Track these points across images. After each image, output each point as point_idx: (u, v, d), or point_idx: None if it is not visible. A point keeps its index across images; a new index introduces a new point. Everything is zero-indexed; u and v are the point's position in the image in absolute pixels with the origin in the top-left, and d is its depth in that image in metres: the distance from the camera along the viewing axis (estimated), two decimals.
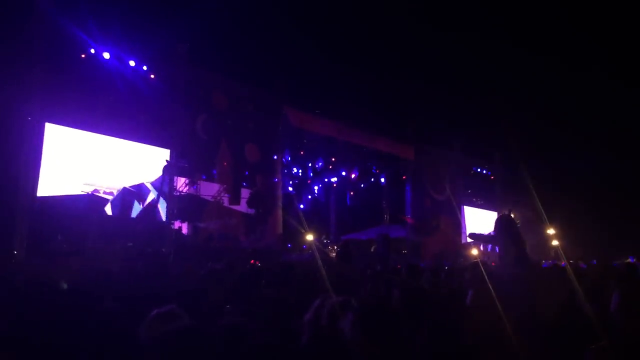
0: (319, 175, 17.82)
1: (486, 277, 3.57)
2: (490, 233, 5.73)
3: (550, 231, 15.88)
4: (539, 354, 2.83)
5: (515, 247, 5.03)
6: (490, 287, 3.35)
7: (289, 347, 2.65)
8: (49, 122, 9.87)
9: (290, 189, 16.70)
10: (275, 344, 2.58)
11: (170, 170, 8.10)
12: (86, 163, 10.39)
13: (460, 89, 11.62)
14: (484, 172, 18.89)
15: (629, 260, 10.58)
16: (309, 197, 18.53)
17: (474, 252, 15.32)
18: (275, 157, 14.30)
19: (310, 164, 17.03)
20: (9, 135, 8.88)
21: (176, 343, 2.07)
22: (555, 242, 15.83)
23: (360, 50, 10.36)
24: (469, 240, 17.21)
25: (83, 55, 10.28)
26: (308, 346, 2.66)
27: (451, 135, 15.61)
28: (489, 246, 13.82)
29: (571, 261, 9.52)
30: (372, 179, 18.89)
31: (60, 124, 10.12)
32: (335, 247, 13.94)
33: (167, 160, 8.09)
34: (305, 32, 10.38)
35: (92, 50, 10.19)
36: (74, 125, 10.32)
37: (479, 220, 17.69)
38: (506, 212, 5.53)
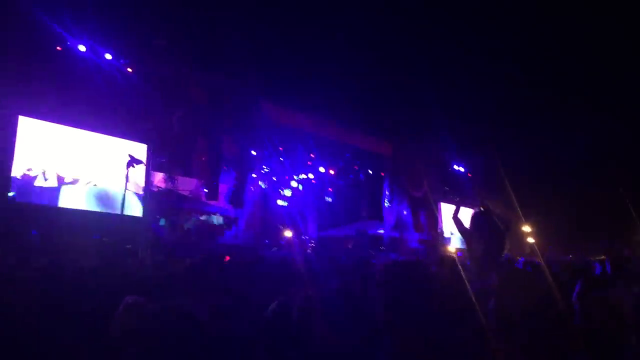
0: (298, 171, 17.82)
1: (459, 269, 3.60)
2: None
3: (526, 228, 16.07)
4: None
5: (485, 246, 5.04)
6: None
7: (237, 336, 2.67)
8: (23, 115, 9.72)
9: (266, 185, 16.66)
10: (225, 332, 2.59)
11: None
12: (60, 157, 10.23)
13: (437, 83, 11.66)
14: (462, 169, 19.05)
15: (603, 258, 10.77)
16: (288, 193, 18.52)
17: (452, 249, 15.47)
18: (253, 152, 14.29)
19: (288, 160, 17.02)
20: None
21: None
22: (530, 240, 16.02)
23: (337, 42, 10.33)
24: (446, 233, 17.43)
25: (59, 48, 10.16)
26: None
27: (429, 131, 15.70)
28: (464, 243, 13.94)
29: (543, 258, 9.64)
30: (351, 175, 18.95)
31: (34, 117, 9.96)
32: (312, 243, 14.00)
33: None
34: (280, 24, 10.32)
35: (68, 43, 10.08)
36: (49, 119, 10.16)
37: (462, 216, 17.74)
38: (482, 209, 5.51)
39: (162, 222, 11.63)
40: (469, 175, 19.32)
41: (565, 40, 10.87)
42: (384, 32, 10.63)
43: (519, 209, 12.25)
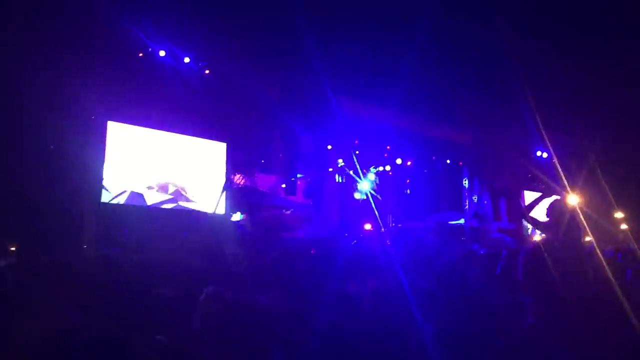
0: (375, 163, 17.71)
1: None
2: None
3: (619, 215, 15.19)
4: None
5: (562, 233, 4.89)
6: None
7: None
8: (111, 120, 10.25)
9: (344, 178, 16.67)
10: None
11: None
12: (147, 159, 10.71)
13: (518, 68, 11.19)
14: (547, 155, 18.25)
15: None
16: (365, 186, 18.45)
17: (536, 239, 14.87)
18: (329, 147, 14.33)
19: (366, 153, 16.93)
20: (76, 133, 9.27)
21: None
22: (624, 226, 15.13)
23: (413, 32, 10.13)
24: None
25: (140, 54, 10.63)
26: None
27: (509, 116, 15.13)
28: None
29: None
30: (429, 166, 18.61)
31: (122, 122, 10.48)
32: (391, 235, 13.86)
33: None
34: (356, 18, 10.25)
35: (149, 49, 10.52)
36: (134, 122, 10.65)
37: (541, 206, 17.07)
38: (558, 198, 5.35)
39: (240, 217, 11.90)
40: (554, 161, 18.48)
41: None
42: (461, 18, 10.33)
43: (610, 195, 11.62)
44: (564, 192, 5.49)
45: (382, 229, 15.76)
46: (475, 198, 16.75)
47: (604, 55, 11.31)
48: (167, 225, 9.47)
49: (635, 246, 7.63)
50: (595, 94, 13.04)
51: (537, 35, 10.78)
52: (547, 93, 12.79)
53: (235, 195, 11.74)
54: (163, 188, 10.80)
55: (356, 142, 15.83)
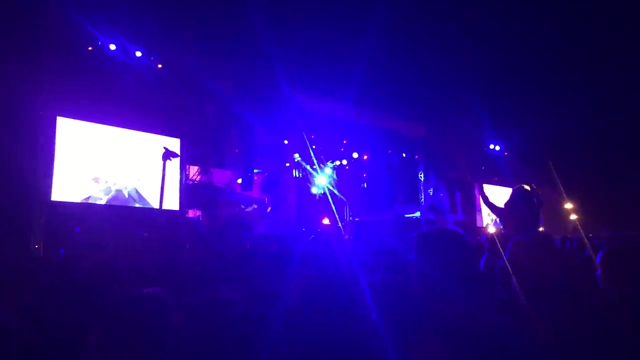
0: (331, 158, 17.77)
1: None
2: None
3: (568, 205, 15.67)
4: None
5: (519, 221, 5.05)
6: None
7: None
8: (60, 115, 9.94)
9: (300, 173, 16.67)
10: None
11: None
12: (97, 155, 10.43)
13: (472, 60, 11.38)
14: (499, 148, 18.69)
15: None
16: (322, 180, 18.50)
17: (491, 230, 15.21)
18: (286, 142, 14.29)
19: (321, 147, 16.97)
20: (23, 130, 8.96)
21: None
22: (573, 217, 15.62)
23: (365, 25, 10.16)
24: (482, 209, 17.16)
25: (90, 48, 10.33)
26: None
27: (462, 110, 15.40)
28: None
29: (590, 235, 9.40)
30: (385, 160, 18.78)
31: (71, 117, 10.17)
32: (349, 229, 13.95)
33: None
34: (307, 10, 10.22)
35: (99, 42, 10.24)
36: (84, 118, 10.35)
37: (495, 198, 17.44)
38: (525, 185, 5.52)
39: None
40: (506, 154, 18.95)
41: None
42: (413, 13, 10.42)
43: (560, 186, 11.95)
44: (519, 184, 5.62)
45: (340, 223, 15.86)
46: (430, 191, 17.03)
47: (558, 48, 11.61)
48: (119, 224, 9.26)
49: (583, 235, 7.89)
50: (547, 86, 13.39)
51: (490, 30, 10.99)
52: (499, 87, 13.08)
53: (191, 191, 11.58)
54: (115, 185, 10.55)
55: (312, 136, 15.84)
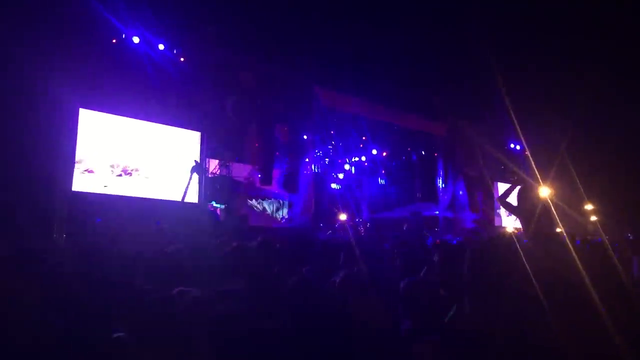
0: (350, 154, 17.77)
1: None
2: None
3: (589, 207, 15.50)
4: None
5: (528, 221, 5.04)
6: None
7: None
8: (83, 107, 10.07)
9: (319, 168, 16.69)
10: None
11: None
12: (119, 147, 10.55)
13: (492, 61, 11.29)
14: (519, 147, 18.52)
15: None
16: (340, 176, 18.52)
17: (509, 229, 15.12)
18: (305, 137, 14.31)
19: (340, 143, 16.98)
20: (46, 121, 9.08)
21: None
22: (593, 218, 15.44)
23: (387, 22, 10.13)
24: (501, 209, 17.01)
25: (114, 40, 10.44)
26: None
27: (483, 109, 15.28)
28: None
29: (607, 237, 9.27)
30: (404, 157, 18.75)
31: (94, 109, 10.30)
32: (368, 226, 13.95)
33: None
34: (331, 7, 10.21)
35: (123, 35, 10.34)
36: (106, 110, 10.47)
37: (514, 197, 17.27)
38: (523, 184, 5.54)
39: (215, 205, 11.85)
40: (526, 153, 18.74)
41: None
42: (439, 10, 10.37)
43: (581, 187, 11.82)
44: (535, 184, 5.62)
45: (357, 219, 15.87)
46: (449, 189, 16.92)
47: (584, 48, 11.47)
48: (140, 215, 9.36)
49: (605, 237, 7.79)
50: (569, 88, 13.22)
51: (513, 28, 10.90)
52: (522, 86, 12.95)
53: (211, 184, 11.67)
54: (135, 177, 10.67)
55: (332, 132, 15.86)
